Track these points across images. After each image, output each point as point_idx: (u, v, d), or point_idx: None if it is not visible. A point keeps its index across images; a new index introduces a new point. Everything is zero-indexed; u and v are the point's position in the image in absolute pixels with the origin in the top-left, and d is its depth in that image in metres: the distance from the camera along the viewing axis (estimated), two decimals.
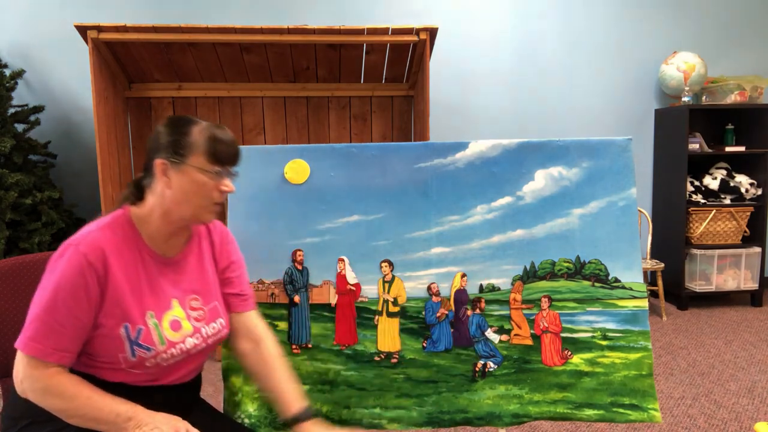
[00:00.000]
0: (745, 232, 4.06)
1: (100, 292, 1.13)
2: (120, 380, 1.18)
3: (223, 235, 1.40)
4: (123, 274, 1.16)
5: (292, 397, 1.32)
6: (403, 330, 1.59)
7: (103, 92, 3.30)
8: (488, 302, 1.59)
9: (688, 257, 4.06)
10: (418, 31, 3.33)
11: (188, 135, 1.19)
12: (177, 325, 1.23)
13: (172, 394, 1.26)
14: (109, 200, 3.30)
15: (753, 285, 4.07)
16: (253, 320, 1.40)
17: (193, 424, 1.20)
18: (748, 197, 4.02)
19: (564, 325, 1.58)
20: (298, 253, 1.59)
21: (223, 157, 1.20)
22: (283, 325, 1.58)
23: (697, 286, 4.05)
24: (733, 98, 4.01)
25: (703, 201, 4.01)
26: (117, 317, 1.15)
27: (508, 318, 1.59)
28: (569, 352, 1.57)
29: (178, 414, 1.23)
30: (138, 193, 1.25)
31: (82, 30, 3.11)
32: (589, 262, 1.59)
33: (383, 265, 1.59)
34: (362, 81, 4.00)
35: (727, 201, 4.02)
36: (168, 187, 1.19)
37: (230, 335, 1.38)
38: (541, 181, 1.60)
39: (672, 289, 4.12)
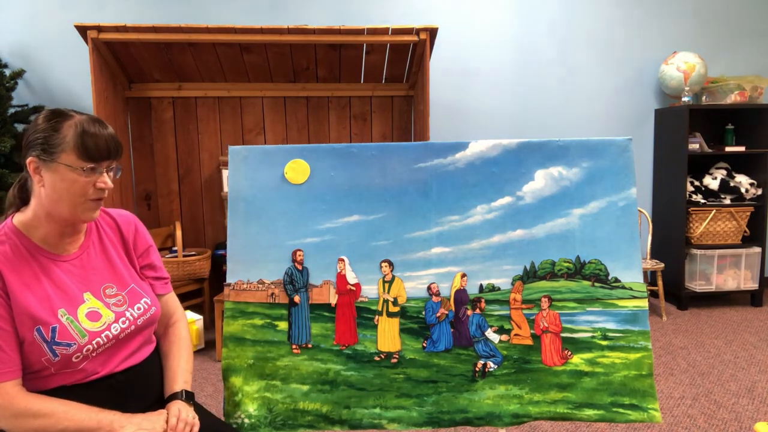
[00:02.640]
0: (745, 232, 4.06)
1: (6, 302, 1.13)
2: (58, 384, 1.18)
3: (130, 224, 1.39)
4: (21, 283, 1.15)
5: (177, 378, 1.35)
6: (403, 330, 1.59)
7: (103, 92, 3.30)
8: (488, 302, 1.59)
9: (688, 257, 4.06)
10: (418, 31, 3.33)
11: (59, 131, 1.14)
12: (95, 316, 1.22)
13: (122, 379, 1.26)
14: (108, 200, 3.30)
15: (753, 285, 4.07)
16: (172, 303, 1.46)
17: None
18: (748, 197, 4.02)
19: (564, 325, 1.58)
20: (298, 253, 1.59)
21: (94, 153, 1.16)
22: (283, 325, 1.58)
23: (697, 286, 4.05)
24: (733, 98, 4.01)
25: (703, 201, 4.01)
26: (27, 324, 1.13)
27: (508, 318, 1.59)
28: (569, 352, 1.57)
29: (146, 398, 1.27)
30: (23, 195, 1.23)
31: (82, 30, 3.11)
32: (589, 262, 1.59)
33: (383, 265, 1.59)
34: (362, 81, 4.00)
35: (727, 201, 4.02)
36: (42, 185, 1.16)
37: None
38: (541, 181, 1.60)
39: (672, 289, 4.12)
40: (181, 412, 1.26)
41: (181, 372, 1.37)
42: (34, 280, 1.17)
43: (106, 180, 1.20)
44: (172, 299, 1.48)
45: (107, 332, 1.22)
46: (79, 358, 1.18)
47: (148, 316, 1.32)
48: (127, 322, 1.26)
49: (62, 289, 1.20)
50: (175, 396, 1.32)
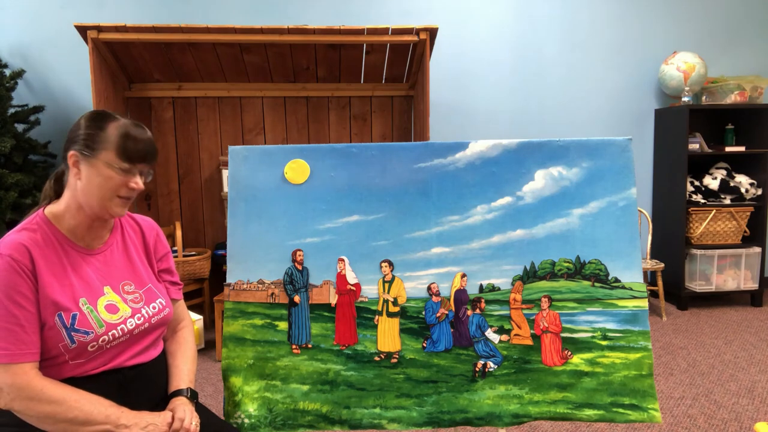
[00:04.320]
0: (745, 232, 4.06)
1: (34, 286, 1.17)
2: (69, 374, 1.20)
3: (152, 229, 1.46)
4: (48, 269, 1.20)
5: (183, 376, 1.39)
6: (403, 330, 1.59)
7: (103, 92, 3.30)
8: (488, 302, 1.59)
9: (688, 257, 4.06)
10: (418, 31, 3.33)
11: (103, 130, 1.22)
12: (114, 309, 1.26)
13: (130, 376, 1.28)
14: None
15: (753, 285, 4.07)
16: (182, 309, 1.51)
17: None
18: (748, 197, 4.02)
19: (564, 325, 1.58)
20: (298, 253, 1.59)
21: (133, 154, 1.23)
22: (283, 325, 1.58)
23: (697, 286, 4.05)
24: (733, 98, 4.01)
25: (703, 201, 4.01)
26: (50, 309, 1.17)
27: (508, 318, 1.59)
28: (569, 352, 1.57)
29: (151, 399, 1.30)
30: (57, 188, 1.30)
31: (82, 30, 3.11)
32: (589, 262, 1.59)
33: (383, 265, 1.59)
34: (362, 81, 4.00)
35: (727, 201, 4.02)
36: (78, 178, 1.22)
37: None
38: (541, 181, 1.60)
39: (672, 289, 4.12)
40: (186, 415, 1.27)
41: (187, 372, 1.40)
42: (60, 269, 1.22)
43: (138, 181, 1.26)
44: (182, 306, 1.52)
45: (123, 326, 1.26)
46: (94, 348, 1.21)
47: (162, 317, 1.36)
48: (142, 318, 1.30)
49: (85, 280, 1.25)
50: (179, 392, 1.34)
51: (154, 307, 1.34)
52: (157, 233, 1.46)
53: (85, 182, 1.22)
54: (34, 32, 3.74)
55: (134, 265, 1.37)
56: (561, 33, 4.21)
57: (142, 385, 1.31)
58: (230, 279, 1.58)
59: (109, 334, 1.23)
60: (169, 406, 1.31)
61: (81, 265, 1.26)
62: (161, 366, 1.40)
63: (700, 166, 4.23)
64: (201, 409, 1.41)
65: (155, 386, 1.36)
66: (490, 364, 1.58)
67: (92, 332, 1.20)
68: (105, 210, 1.25)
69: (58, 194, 1.29)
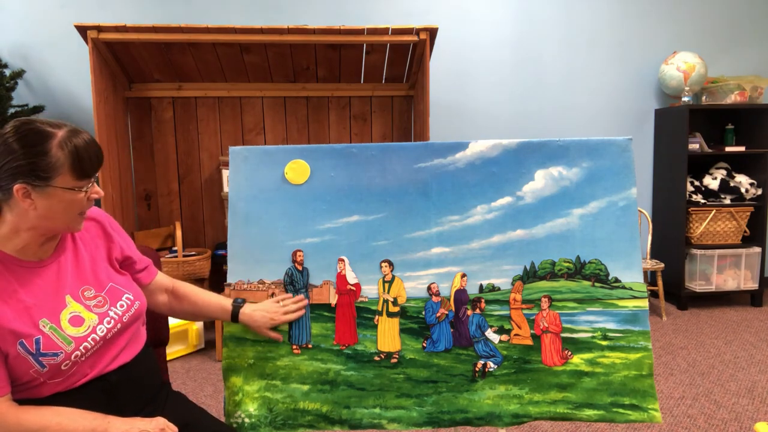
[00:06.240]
0: (745, 232, 4.06)
1: None
2: (51, 392, 1.16)
3: (111, 221, 1.38)
4: None
5: (222, 302, 1.50)
6: (403, 330, 1.59)
7: (103, 92, 3.30)
8: (488, 302, 1.59)
9: (688, 257, 4.06)
10: (418, 31, 3.33)
11: (47, 154, 1.09)
12: (78, 320, 1.19)
13: (115, 380, 1.25)
14: (109, 200, 3.30)
15: (753, 285, 4.07)
16: (161, 279, 1.50)
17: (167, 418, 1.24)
18: (748, 197, 4.02)
19: (564, 325, 1.58)
20: (298, 253, 1.58)
21: (89, 169, 1.15)
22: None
23: (697, 286, 4.05)
24: (733, 98, 4.01)
25: (703, 201, 4.01)
26: (9, 339, 1.10)
27: (508, 318, 1.59)
28: (569, 352, 1.57)
29: (140, 399, 1.28)
30: None
31: (82, 30, 3.11)
32: (589, 262, 1.59)
33: (383, 265, 1.59)
34: (362, 81, 4.00)
35: (727, 201, 4.02)
36: (33, 208, 1.12)
37: (148, 301, 1.41)
38: (541, 181, 1.60)
39: (672, 289, 4.12)
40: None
41: (221, 297, 1.51)
42: (9, 294, 1.13)
43: (99, 189, 1.20)
44: (162, 276, 1.50)
45: (93, 335, 1.20)
46: (68, 365, 1.16)
47: (133, 312, 1.30)
48: (113, 321, 1.25)
49: (41, 297, 1.17)
50: (237, 308, 1.49)
51: (121, 306, 1.27)
52: (110, 224, 1.37)
53: (44, 211, 1.12)
54: (34, 32, 3.74)
55: (88, 267, 1.28)
56: (561, 33, 4.21)
57: (130, 386, 1.28)
58: (230, 279, 1.58)
59: (81, 347, 1.17)
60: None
61: (33, 282, 1.17)
62: (146, 363, 1.36)
63: (700, 166, 4.23)
64: (198, 410, 1.41)
65: (142, 385, 1.33)
66: (490, 364, 1.58)
67: (62, 352, 1.14)
68: (69, 229, 1.20)
69: None
